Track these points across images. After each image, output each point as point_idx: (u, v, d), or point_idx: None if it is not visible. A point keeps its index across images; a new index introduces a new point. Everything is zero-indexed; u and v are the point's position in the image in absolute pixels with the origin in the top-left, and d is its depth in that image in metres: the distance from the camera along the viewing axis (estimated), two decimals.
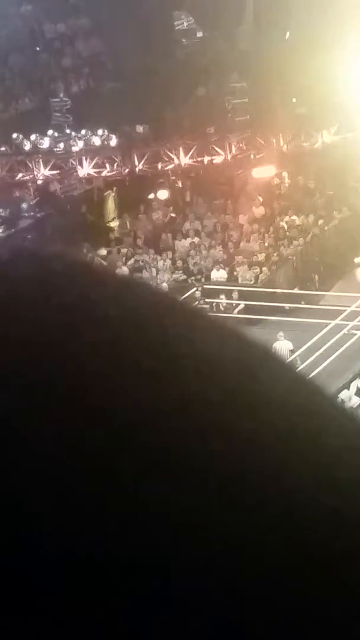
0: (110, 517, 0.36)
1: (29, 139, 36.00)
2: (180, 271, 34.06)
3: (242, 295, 31.54)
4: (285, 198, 36.73)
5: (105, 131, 35.73)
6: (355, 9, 34.03)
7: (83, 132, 36.00)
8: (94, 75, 39.68)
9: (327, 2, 34.66)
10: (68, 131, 36.25)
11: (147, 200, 37.38)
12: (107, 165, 36.03)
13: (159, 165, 36.03)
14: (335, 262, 33.53)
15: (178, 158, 35.73)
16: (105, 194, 37.55)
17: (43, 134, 36.11)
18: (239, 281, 33.07)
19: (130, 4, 36.60)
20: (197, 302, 30.63)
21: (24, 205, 36.01)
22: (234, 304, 31.48)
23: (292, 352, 26.93)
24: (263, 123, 35.35)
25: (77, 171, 36.10)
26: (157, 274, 33.75)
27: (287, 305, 31.24)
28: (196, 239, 35.34)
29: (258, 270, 33.22)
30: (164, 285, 32.25)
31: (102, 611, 0.35)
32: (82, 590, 0.35)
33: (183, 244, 35.27)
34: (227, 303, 31.52)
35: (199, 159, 35.86)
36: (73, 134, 36.13)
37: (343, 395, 25.70)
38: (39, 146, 36.07)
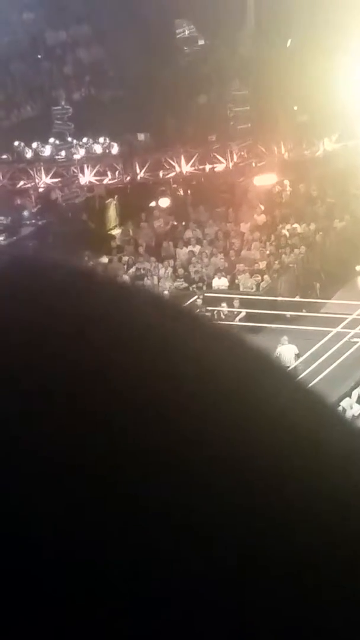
0: (111, 520, 0.36)
1: (30, 146, 36.03)
2: (182, 279, 34.02)
3: (244, 303, 31.50)
4: (287, 206, 36.70)
5: (107, 139, 35.74)
6: (357, 17, 34.03)
7: (84, 139, 36.02)
8: (96, 83, 39.72)
9: (329, 10, 34.67)
10: (69, 139, 36.26)
11: (149, 208, 37.38)
12: (109, 173, 36.04)
13: (161, 173, 36.04)
14: (336, 270, 33.48)
15: (179, 166, 35.74)
16: (107, 201, 37.55)
17: (44, 141, 36.14)
18: (241, 289, 33.03)
19: (132, 12, 36.63)
20: (198, 310, 30.58)
21: (26, 213, 36.01)
22: (235, 312, 31.43)
23: (298, 355, 26.93)
24: (264, 131, 35.37)
25: (78, 179, 36.12)
26: (158, 281, 33.73)
27: (288, 313, 31.19)
28: (197, 247, 35.31)
29: (259, 278, 33.18)
30: (166, 293, 32.22)
31: (103, 613, 0.35)
32: (83, 592, 0.35)
33: (184, 252, 35.25)
34: (228, 311, 31.48)
35: (201, 166, 35.87)
36: (74, 141, 36.15)
37: (344, 403, 25.65)
38: (40, 154, 36.09)
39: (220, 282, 33.35)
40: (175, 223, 36.99)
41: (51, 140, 36.27)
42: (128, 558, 0.36)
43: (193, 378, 0.42)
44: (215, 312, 31.26)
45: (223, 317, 31.16)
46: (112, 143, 35.80)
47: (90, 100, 38.86)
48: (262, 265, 33.81)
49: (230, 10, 37.13)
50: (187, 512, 0.37)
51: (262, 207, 36.50)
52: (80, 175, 36.02)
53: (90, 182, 36.28)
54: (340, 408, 25.38)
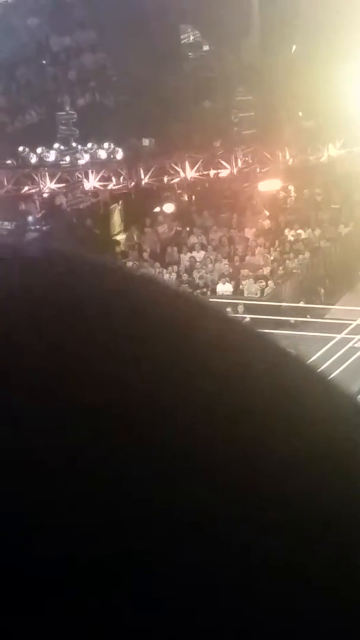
0: (112, 518, 0.36)
1: (35, 152, 36.05)
2: (186, 284, 34.00)
3: (248, 309, 31.46)
4: (291, 212, 36.72)
5: (111, 144, 35.77)
6: None
7: (89, 145, 36.05)
8: (100, 88, 39.73)
9: (333, 16, 34.67)
10: (74, 144, 36.29)
11: (153, 214, 37.40)
12: (113, 178, 36.06)
13: (165, 179, 36.04)
14: (340, 276, 33.48)
15: (184, 171, 35.75)
16: (111, 207, 37.56)
17: (49, 147, 36.16)
18: (245, 295, 33.03)
19: (137, 18, 36.65)
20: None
21: (30, 218, 36.02)
22: (239, 318, 31.38)
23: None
24: (269, 136, 35.38)
25: (83, 184, 36.13)
26: None
27: (292, 319, 31.17)
28: (202, 253, 35.32)
29: (264, 283, 33.18)
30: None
31: (103, 610, 0.35)
32: (83, 590, 0.35)
33: (188, 258, 35.26)
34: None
35: (205, 172, 35.88)
36: (79, 147, 36.18)
37: None
38: (45, 159, 36.11)
39: (224, 288, 33.36)
40: (180, 228, 37.01)
41: (56, 145, 36.29)
42: (128, 554, 0.36)
43: (221, 378, 0.43)
44: None
45: None
46: (117, 148, 35.82)
47: (95, 105, 38.87)
48: (267, 270, 33.83)
49: (235, 16, 37.12)
50: (192, 511, 0.38)
51: (267, 213, 36.51)
52: (84, 180, 36.04)
53: (94, 187, 36.29)
54: None
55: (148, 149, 36.23)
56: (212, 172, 35.93)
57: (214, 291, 33.29)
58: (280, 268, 33.95)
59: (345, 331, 28.89)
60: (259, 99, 36.06)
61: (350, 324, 29.32)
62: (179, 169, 35.75)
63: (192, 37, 39.87)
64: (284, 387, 0.45)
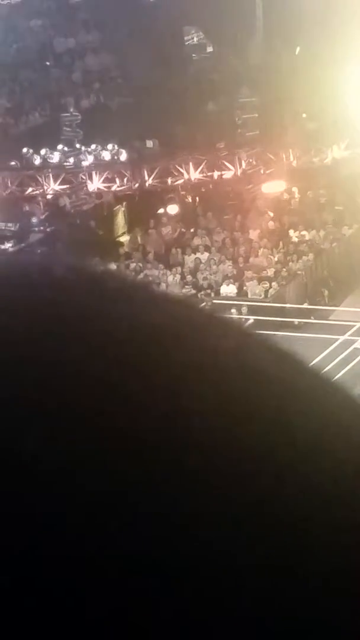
0: (113, 521, 0.37)
1: (39, 153, 36.05)
2: (190, 286, 34.01)
3: (252, 310, 31.46)
4: (295, 213, 36.70)
5: (115, 146, 35.75)
6: None
7: (93, 146, 36.03)
8: (104, 90, 39.75)
9: (337, 18, 34.68)
10: (78, 146, 36.28)
11: (157, 215, 37.39)
12: (117, 179, 36.05)
13: (169, 180, 36.02)
14: (344, 278, 33.47)
15: (188, 173, 35.73)
16: (115, 208, 37.56)
17: (53, 148, 36.17)
18: (249, 296, 33.03)
19: (141, 19, 36.67)
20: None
21: (34, 220, 36.04)
22: (243, 319, 31.40)
23: None
24: (273, 138, 35.36)
25: (87, 186, 36.13)
26: (166, 288, 33.66)
27: (296, 320, 31.18)
28: (205, 254, 35.32)
29: (267, 285, 33.17)
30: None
31: (102, 610, 0.35)
32: (83, 590, 0.35)
33: (192, 259, 35.26)
34: (236, 318, 31.45)
35: (209, 174, 35.85)
36: (83, 148, 36.17)
37: None
38: (48, 161, 36.12)
39: (228, 289, 33.35)
40: (184, 230, 37.00)
41: (60, 147, 36.29)
42: (128, 556, 0.36)
43: (241, 392, 0.43)
44: None
45: None
46: (121, 150, 35.81)
47: (99, 107, 38.88)
48: (270, 272, 33.82)
49: (239, 17, 37.13)
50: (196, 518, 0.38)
51: (271, 215, 36.49)
52: (88, 182, 36.04)
53: (98, 188, 36.28)
54: None
55: (152, 151, 36.21)
56: (216, 174, 35.90)
57: (217, 292, 33.28)
58: (284, 269, 33.93)
59: (349, 332, 28.89)
60: (263, 101, 36.04)
61: (354, 326, 29.33)
62: (183, 171, 35.73)
63: (196, 39, 39.86)
64: (288, 398, 0.45)
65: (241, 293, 33.30)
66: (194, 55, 39.46)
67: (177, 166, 35.73)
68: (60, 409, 0.39)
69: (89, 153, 36.10)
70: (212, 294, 33.10)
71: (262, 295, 32.96)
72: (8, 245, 34.83)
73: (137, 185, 36.10)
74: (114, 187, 36.35)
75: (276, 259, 34.58)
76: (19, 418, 0.39)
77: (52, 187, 36.03)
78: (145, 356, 0.42)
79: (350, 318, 29.92)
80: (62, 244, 33.79)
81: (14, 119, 38.86)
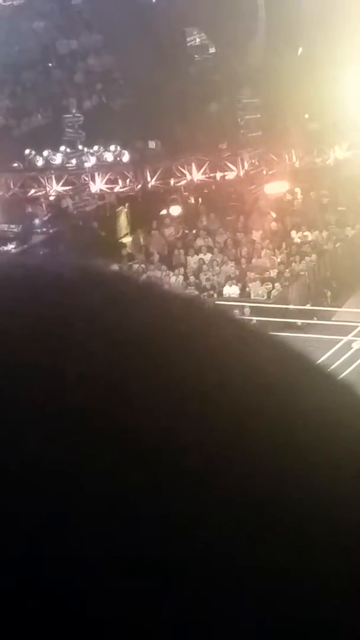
0: (114, 522, 0.37)
1: (41, 154, 36.07)
2: (193, 287, 34.00)
3: (254, 311, 31.45)
4: (298, 214, 36.69)
5: (118, 147, 35.76)
6: None
7: (95, 148, 36.03)
8: (106, 91, 39.73)
9: (339, 18, 34.66)
10: (80, 147, 36.29)
11: (160, 216, 37.39)
12: (120, 181, 36.05)
13: (172, 181, 36.02)
14: (347, 278, 33.45)
15: (190, 174, 35.73)
16: (118, 209, 37.57)
17: (55, 149, 36.18)
18: (251, 297, 33.02)
19: (143, 20, 36.67)
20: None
21: (37, 221, 36.03)
22: (246, 320, 31.36)
23: None
24: (275, 139, 35.35)
25: (89, 187, 36.13)
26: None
27: (299, 321, 31.16)
28: (208, 255, 35.31)
29: (270, 286, 33.16)
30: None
31: (103, 611, 0.35)
32: (84, 590, 0.36)
33: (195, 260, 35.26)
34: (240, 317, 31.41)
35: (212, 174, 35.85)
36: (85, 149, 36.17)
37: None
38: (51, 162, 36.13)
39: (231, 290, 33.34)
40: (187, 231, 37.00)
41: (62, 148, 36.30)
42: (129, 556, 0.37)
43: (238, 390, 0.44)
44: None
45: None
46: (123, 151, 35.82)
47: (101, 108, 38.88)
48: (273, 273, 33.80)
49: (241, 18, 37.12)
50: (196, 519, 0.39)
51: (273, 215, 36.48)
52: (91, 183, 36.04)
53: (101, 190, 36.30)
54: None
55: (154, 152, 36.21)
56: (218, 175, 35.90)
57: (220, 293, 33.27)
58: (287, 270, 33.92)
59: (352, 333, 28.87)
60: (265, 102, 36.03)
61: (357, 326, 29.30)
62: (186, 172, 35.74)
63: (198, 40, 39.83)
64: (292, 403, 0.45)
65: (244, 294, 33.29)
66: (196, 56, 39.42)
67: (179, 167, 35.73)
68: (61, 410, 0.39)
69: (92, 154, 36.10)
70: (215, 295, 33.09)
71: (265, 296, 32.95)
72: (11, 247, 34.82)
73: (139, 186, 36.10)
74: (117, 189, 36.35)
75: (279, 259, 34.57)
76: (20, 419, 0.39)
77: (55, 188, 36.05)
78: (145, 357, 0.42)
79: (353, 319, 29.90)
80: (65, 245, 33.79)
81: (16, 120, 38.85)
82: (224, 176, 35.91)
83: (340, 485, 0.42)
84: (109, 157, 35.94)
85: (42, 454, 0.38)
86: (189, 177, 35.86)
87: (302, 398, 0.46)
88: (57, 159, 36.18)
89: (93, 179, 36.01)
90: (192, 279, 34.37)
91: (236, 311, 31.65)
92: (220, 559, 0.37)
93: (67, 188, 36.11)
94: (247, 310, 31.57)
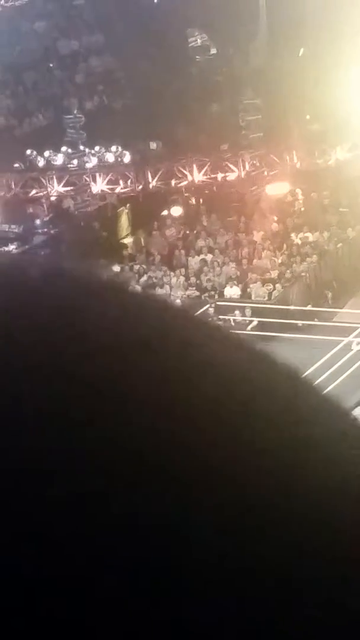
0: (108, 524, 0.37)
1: (42, 155, 36.09)
2: (194, 288, 34.00)
3: (255, 312, 31.46)
4: (299, 215, 36.68)
5: (119, 147, 35.77)
6: None
7: (97, 148, 36.05)
8: (108, 91, 39.76)
9: (341, 19, 34.67)
10: (82, 148, 36.30)
11: (161, 217, 37.37)
12: (121, 181, 36.06)
13: (173, 182, 36.03)
14: (348, 280, 33.45)
15: (192, 175, 35.74)
16: (119, 210, 37.56)
17: (57, 150, 36.19)
18: (252, 298, 33.00)
19: (144, 21, 36.68)
20: (210, 319, 30.56)
21: (38, 222, 36.03)
22: (247, 321, 31.40)
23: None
24: (277, 140, 35.35)
25: (90, 187, 36.14)
26: (170, 290, 33.72)
27: (300, 322, 31.15)
28: (209, 256, 35.30)
29: (271, 287, 33.14)
30: (177, 302, 32.18)
31: (99, 614, 0.35)
32: (83, 590, 0.36)
33: (196, 261, 35.25)
34: (240, 320, 31.44)
35: (213, 175, 35.86)
36: (87, 150, 36.19)
37: (356, 412, 25.53)
38: (52, 162, 36.14)
39: (232, 291, 33.32)
40: (187, 232, 36.99)
41: (63, 148, 36.32)
42: (130, 558, 0.37)
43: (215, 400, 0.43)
44: (227, 320, 31.24)
45: (235, 325, 31.14)
46: (124, 152, 35.83)
47: (103, 108, 38.90)
48: (274, 274, 33.79)
49: (243, 19, 37.15)
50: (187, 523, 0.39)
51: (274, 216, 36.47)
52: (92, 183, 36.05)
53: (102, 190, 36.30)
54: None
55: (156, 152, 36.22)
56: (219, 176, 35.91)
57: (221, 294, 33.26)
58: (288, 271, 33.90)
59: (353, 334, 28.87)
60: (267, 102, 36.04)
61: (358, 328, 29.30)
62: (187, 172, 35.74)
63: (199, 41, 39.85)
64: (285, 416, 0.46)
65: (245, 295, 33.27)
66: (197, 57, 39.45)
67: (180, 168, 35.74)
68: (56, 414, 0.39)
69: (93, 155, 36.11)
70: (216, 296, 33.09)
71: (266, 297, 32.93)
72: (12, 247, 34.83)
73: (140, 187, 36.11)
74: (118, 189, 36.37)
75: (280, 260, 34.56)
76: (16, 423, 0.39)
77: (56, 189, 36.05)
78: (128, 364, 0.43)
79: (354, 320, 29.90)
80: (66, 246, 33.79)
81: (17, 121, 38.87)
82: (225, 177, 35.92)
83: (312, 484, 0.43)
84: (110, 157, 35.96)
85: (36, 457, 0.38)
86: (190, 178, 35.87)
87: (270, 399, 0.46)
88: (59, 159, 36.19)
89: (94, 180, 36.02)
90: (193, 280, 34.35)
91: (237, 312, 31.69)
92: (214, 562, 0.38)
93: (68, 189, 36.12)
94: (247, 311, 31.58)
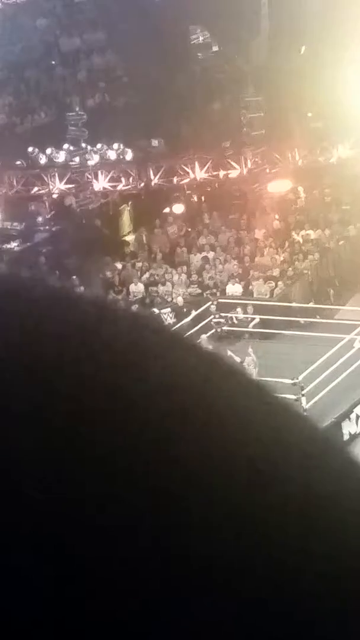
0: (102, 521, 0.37)
1: (44, 152, 36.07)
2: (195, 285, 34.03)
3: (257, 310, 31.48)
4: (301, 212, 36.69)
5: (121, 145, 35.76)
6: None
7: (99, 146, 36.04)
8: (110, 89, 39.71)
9: (342, 17, 34.64)
10: (84, 145, 36.29)
11: (163, 214, 37.40)
12: (123, 179, 36.06)
13: (175, 179, 36.04)
14: (350, 277, 33.48)
15: (193, 172, 35.74)
16: (121, 207, 37.57)
17: (59, 147, 36.18)
18: (254, 295, 33.03)
19: (146, 18, 36.65)
20: (212, 316, 30.66)
21: (39, 219, 36.04)
22: (249, 318, 31.42)
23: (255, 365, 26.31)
24: (278, 137, 35.34)
25: (92, 185, 36.14)
26: (172, 288, 33.75)
27: (302, 320, 31.18)
28: (211, 254, 35.32)
29: (273, 284, 33.17)
30: (179, 299, 32.25)
31: (97, 611, 0.36)
32: (84, 591, 0.36)
33: (198, 258, 35.27)
34: (242, 317, 31.47)
35: (215, 173, 35.87)
36: (89, 147, 36.17)
37: (358, 409, 25.62)
38: (54, 160, 36.14)
39: (234, 289, 33.35)
40: (189, 229, 37.00)
41: (65, 146, 36.30)
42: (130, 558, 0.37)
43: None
44: (229, 318, 31.28)
45: (237, 323, 31.18)
46: (126, 149, 35.82)
47: (105, 106, 38.86)
48: (276, 271, 33.81)
49: (245, 17, 37.11)
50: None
51: (276, 214, 36.48)
52: (94, 181, 36.05)
53: (104, 188, 36.31)
54: (354, 414, 25.37)
55: (157, 150, 36.22)
56: (221, 173, 35.91)
57: (223, 292, 33.28)
58: (290, 269, 33.92)
59: (355, 332, 28.88)
60: (268, 100, 36.02)
61: None
62: (189, 170, 35.75)
63: (201, 38, 39.79)
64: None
65: (247, 292, 33.30)
66: (199, 54, 39.38)
67: (182, 165, 35.75)
68: (50, 414, 0.40)
69: (95, 152, 36.11)
70: (218, 293, 33.11)
71: (268, 295, 32.97)
72: (14, 245, 34.87)
73: (142, 184, 36.12)
74: (120, 187, 36.37)
75: (282, 258, 34.58)
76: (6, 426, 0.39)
77: (58, 186, 36.06)
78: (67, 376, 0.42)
79: (356, 317, 29.91)
80: (68, 244, 33.81)
81: (19, 118, 38.86)
82: (227, 174, 35.93)
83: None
84: (112, 155, 35.95)
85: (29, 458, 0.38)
86: (192, 175, 35.88)
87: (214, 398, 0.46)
88: (61, 156, 36.18)
89: (96, 177, 36.03)
90: (194, 277, 34.37)
91: (238, 309, 31.71)
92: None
93: (70, 186, 36.13)
94: (250, 309, 31.60)
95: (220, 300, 32.23)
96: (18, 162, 36.30)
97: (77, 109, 38.14)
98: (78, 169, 36.02)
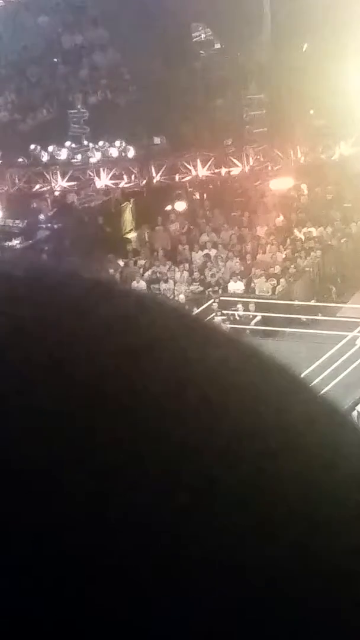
0: (96, 523, 0.37)
1: (46, 150, 36.07)
2: (198, 283, 34.02)
3: (259, 307, 31.46)
4: (303, 210, 36.68)
5: (123, 142, 35.76)
6: None
7: (101, 143, 36.05)
8: (112, 86, 39.70)
9: (345, 14, 34.63)
10: (86, 142, 36.30)
11: (165, 212, 37.39)
12: (125, 176, 36.06)
13: (177, 177, 36.04)
14: (352, 274, 33.44)
15: (195, 169, 35.73)
16: (123, 205, 37.56)
17: (61, 145, 36.18)
18: (256, 293, 33.02)
19: (148, 15, 36.63)
20: (214, 314, 30.63)
21: (42, 217, 36.03)
22: (250, 316, 31.41)
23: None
24: (281, 135, 35.35)
25: (94, 182, 36.14)
26: (174, 285, 33.75)
27: (304, 317, 31.16)
28: (213, 251, 35.31)
29: (275, 282, 33.15)
30: (181, 296, 32.24)
31: (95, 611, 0.35)
32: (84, 591, 0.35)
33: (200, 256, 35.26)
34: (244, 315, 31.46)
35: (217, 170, 35.86)
36: (91, 145, 36.18)
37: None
38: (56, 157, 36.13)
39: (236, 286, 33.33)
40: (191, 227, 36.99)
41: (67, 143, 36.31)
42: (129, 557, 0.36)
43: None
44: (230, 315, 31.27)
45: (239, 320, 31.16)
46: (128, 146, 35.82)
47: (107, 103, 38.86)
48: (278, 269, 33.79)
49: (247, 14, 37.07)
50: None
51: (278, 211, 36.47)
52: (96, 178, 36.05)
53: (106, 185, 36.30)
54: (355, 412, 25.34)
55: (159, 147, 36.22)
56: (223, 171, 35.91)
57: (225, 289, 33.27)
58: (292, 266, 33.90)
59: (357, 329, 28.85)
60: (271, 97, 36.03)
61: None
62: (191, 167, 35.74)
63: (203, 35, 39.80)
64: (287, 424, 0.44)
65: (249, 290, 33.29)
66: (201, 51, 39.38)
67: (184, 163, 35.74)
68: (47, 413, 0.39)
69: (97, 150, 36.11)
70: (220, 291, 33.10)
71: (270, 292, 32.95)
72: (16, 242, 34.85)
73: (144, 181, 36.11)
74: (122, 184, 36.37)
75: (284, 255, 34.56)
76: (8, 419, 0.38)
77: (60, 183, 36.06)
78: (136, 366, 0.42)
79: (358, 315, 29.88)
80: (70, 241, 33.80)
81: (21, 116, 38.85)
82: (229, 172, 35.92)
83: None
84: (114, 152, 35.96)
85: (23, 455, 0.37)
86: (194, 172, 35.87)
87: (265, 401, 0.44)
88: (62, 154, 36.18)
89: (98, 175, 36.02)
90: (196, 275, 34.36)
91: (240, 307, 31.69)
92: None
93: (72, 183, 36.13)
94: (251, 306, 31.58)
95: (222, 297, 32.22)
96: (20, 160, 36.31)
97: (79, 106, 38.14)
98: (80, 167, 36.03)
